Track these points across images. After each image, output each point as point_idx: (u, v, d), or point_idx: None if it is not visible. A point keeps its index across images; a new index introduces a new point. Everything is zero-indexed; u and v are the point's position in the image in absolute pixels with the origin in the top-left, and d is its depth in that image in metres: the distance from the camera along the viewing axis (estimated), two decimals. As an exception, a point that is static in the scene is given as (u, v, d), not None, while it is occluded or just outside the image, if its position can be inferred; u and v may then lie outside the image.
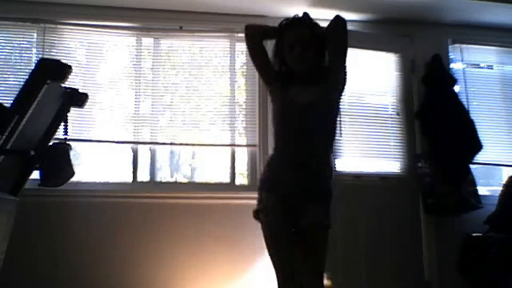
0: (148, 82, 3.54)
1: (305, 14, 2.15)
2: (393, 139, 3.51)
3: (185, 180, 3.70)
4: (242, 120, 3.58)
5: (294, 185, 1.95)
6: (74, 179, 2.72)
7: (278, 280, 1.93)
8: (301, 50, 2.03)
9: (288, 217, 1.95)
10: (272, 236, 1.96)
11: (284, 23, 2.14)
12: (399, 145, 3.50)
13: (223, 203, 3.35)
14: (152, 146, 3.51)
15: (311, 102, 2.00)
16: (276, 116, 2.08)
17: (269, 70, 2.15)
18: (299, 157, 1.98)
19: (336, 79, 2.11)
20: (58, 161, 2.57)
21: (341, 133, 3.33)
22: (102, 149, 3.52)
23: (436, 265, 3.40)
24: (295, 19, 2.14)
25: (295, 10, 3.50)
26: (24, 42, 3.43)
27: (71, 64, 2.58)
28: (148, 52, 3.60)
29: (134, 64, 3.56)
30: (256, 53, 2.24)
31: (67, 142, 2.73)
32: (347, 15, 3.58)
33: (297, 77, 2.08)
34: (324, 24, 3.54)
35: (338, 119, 2.15)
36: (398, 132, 3.51)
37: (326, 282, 3.06)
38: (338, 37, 2.15)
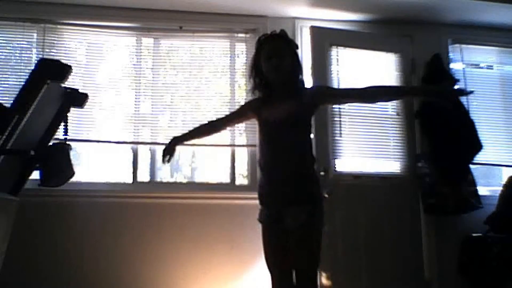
0: (148, 82, 3.54)
1: (282, 30, 2.32)
2: (393, 139, 3.51)
3: (185, 180, 3.70)
4: (242, 120, 3.58)
5: (275, 196, 2.18)
6: (74, 179, 2.72)
7: (271, 283, 2.21)
8: (277, 59, 2.20)
9: (278, 226, 2.16)
10: (265, 243, 2.22)
11: (262, 38, 2.31)
12: (399, 145, 3.50)
13: (223, 203, 3.35)
14: (152, 146, 3.51)
15: (283, 119, 2.19)
16: (258, 136, 2.31)
17: (243, 112, 2.45)
18: (274, 171, 2.19)
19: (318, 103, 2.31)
20: (58, 161, 2.57)
21: (341, 133, 3.33)
22: (102, 149, 3.52)
23: (436, 265, 3.40)
24: (272, 33, 2.31)
25: (295, 10, 3.54)
26: (24, 42, 3.43)
27: (71, 64, 2.58)
28: (148, 52, 3.60)
29: (134, 64, 3.56)
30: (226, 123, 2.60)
31: (67, 142, 2.73)
32: (347, 15, 3.62)
33: (275, 93, 2.27)
34: (324, 24, 3.57)
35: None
36: (398, 132, 3.51)
37: (326, 282, 3.08)
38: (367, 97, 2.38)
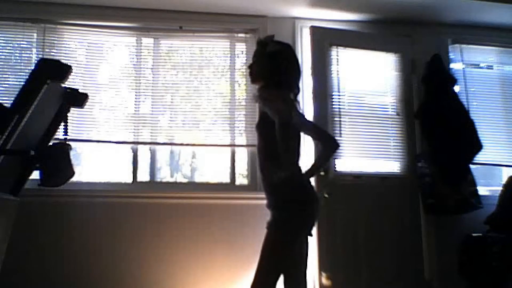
0: (148, 82, 3.54)
1: (267, 36, 2.39)
2: (393, 139, 3.51)
3: (185, 180, 3.70)
4: (242, 120, 3.58)
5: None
6: (74, 179, 2.71)
7: None
8: (250, 63, 2.36)
9: None
10: None
11: None
12: (399, 145, 3.50)
13: (223, 203, 3.35)
14: (152, 146, 3.51)
15: (256, 126, 2.27)
16: None
17: None
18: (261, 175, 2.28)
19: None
20: (58, 161, 2.57)
21: (341, 133, 3.33)
22: (102, 149, 3.52)
23: (436, 265, 3.40)
24: (257, 40, 2.41)
25: (295, 10, 3.55)
26: (24, 42, 3.43)
27: (71, 64, 2.57)
28: (148, 52, 3.60)
29: (134, 64, 3.56)
30: None
31: (67, 142, 2.72)
32: (347, 15, 3.62)
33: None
34: (324, 24, 3.56)
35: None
36: (398, 132, 3.51)
37: (326, 282, 3.08)
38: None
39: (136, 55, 3.58)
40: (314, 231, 2.28)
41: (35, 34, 3.43)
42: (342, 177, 3.30)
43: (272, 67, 2.26)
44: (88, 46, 3.53)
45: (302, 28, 3.60)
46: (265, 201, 2.26)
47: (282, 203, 2.13)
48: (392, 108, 3.56)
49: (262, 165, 2.24)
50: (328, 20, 3.61)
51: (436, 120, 3.43)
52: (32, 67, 2.48)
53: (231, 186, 3.51)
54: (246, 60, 3.62)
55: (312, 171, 2.41)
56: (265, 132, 2.19)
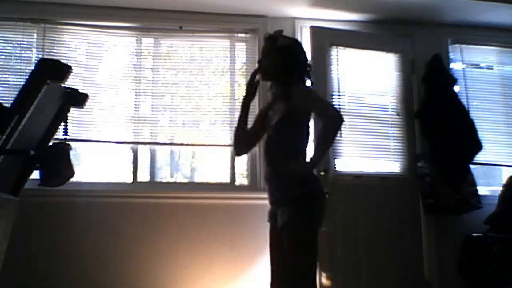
0: (148, 82, 3.54)
1: (276, 31, 2.35)
2: (393, 139, 3.51)
3: (185, 180, 3.70)
4: (242, 120, 3.58)
5: (269, 195, 2.23)
6: (74, 179, 2.71)
7: None
8: (260, 59, 2.35)
9: (273, 225, 2.22)
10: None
11: None
12: (399, 145, 3.50)
13: (223, 203, 3.35)
14: (152, 146, 3.51)
15: (273, 121, 2.23)
16: None
17: (259, 124, 2.40)
18: (265, 171, 2.29)
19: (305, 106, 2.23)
20: (58, 161, 2.57)
21: (341, 133, 3.32)
22: (102, 149, 3.52)
23: (436, 265, 3.41)
24: (265, 36, 2.37)
25: (295, 10, 3.55)
26: (24, 42, 3.43)
27: (71, 64, 2.57)
28: (148, 52, 3.60)
29: (134, 64, 3.56)
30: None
31: (67, 142, 2.72)
32: (347, 15, 3.62)
33: (273, 95, 2.34)
34: (324, 24, 3.56)
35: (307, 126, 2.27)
36: (398, 132, 3.51)
37: (326, 282, 3.08)
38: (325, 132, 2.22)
39: (136, 55, 3.58)
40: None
41: (35, 34, 3.43)
42: (342, 177, 3.30)
43: (284, 62, 2.24)
44: (88, 46, 3.53)
45: (302, 28, 3.60)
46: (264, 201, 2.27)
47: (302, 196, 2.09)
48: (392, 108, 3.56)
49: (278, 160, 2.18)
50: (328, 20, 3.61)
51: (436, 120, 3.43)
52: (32, 67, 2.47)
53: (231, 186, 3.51)
54: (246, 60, 3.63)
55: (316, 159, 2.15)
56: (296, 129, 2.19)
